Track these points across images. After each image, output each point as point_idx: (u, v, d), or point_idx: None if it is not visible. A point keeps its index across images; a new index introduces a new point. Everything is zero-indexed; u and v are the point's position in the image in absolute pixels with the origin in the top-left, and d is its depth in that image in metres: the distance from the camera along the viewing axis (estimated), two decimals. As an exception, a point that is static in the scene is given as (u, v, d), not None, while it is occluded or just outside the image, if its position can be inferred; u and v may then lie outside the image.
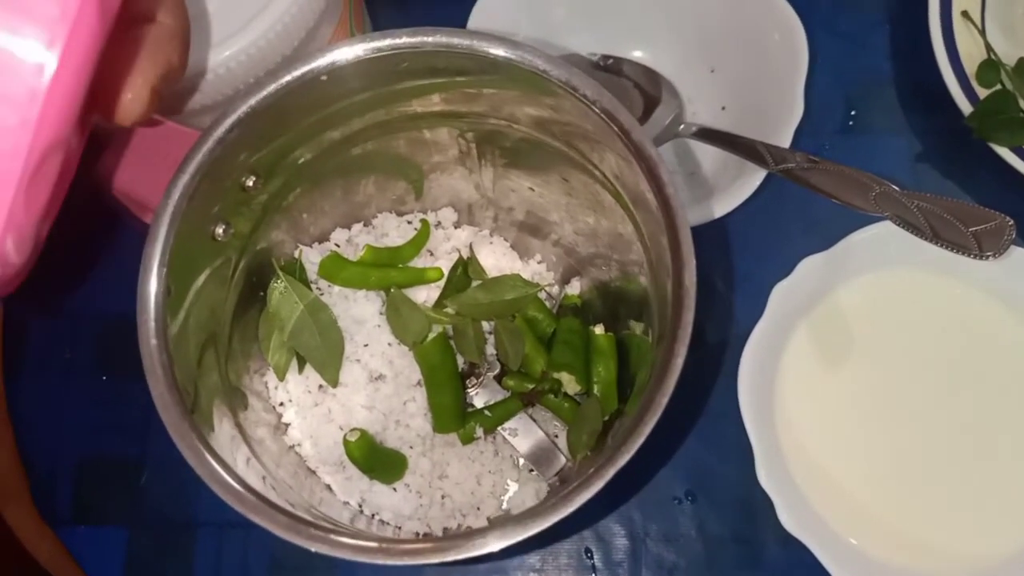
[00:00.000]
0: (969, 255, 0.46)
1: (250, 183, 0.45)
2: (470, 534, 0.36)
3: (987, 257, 0.46)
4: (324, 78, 0.42)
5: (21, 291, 0.60)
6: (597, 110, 0.41)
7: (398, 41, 0.42)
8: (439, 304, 0.53)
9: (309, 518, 0.37)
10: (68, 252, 0.62)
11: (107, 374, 0.60)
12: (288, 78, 0.42)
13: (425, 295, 0.53)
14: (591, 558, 0.55)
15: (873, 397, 0.54)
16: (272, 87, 0.42)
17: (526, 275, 0.55)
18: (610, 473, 0.36)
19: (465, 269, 0.54)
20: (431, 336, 0.51)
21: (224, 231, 0.45)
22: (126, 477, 0.58)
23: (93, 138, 0.54)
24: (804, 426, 0.53)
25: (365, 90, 0.45)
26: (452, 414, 0.51)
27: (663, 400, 0.37)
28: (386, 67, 0.43)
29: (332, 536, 0.36)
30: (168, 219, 0.40)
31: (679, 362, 0.37)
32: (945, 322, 0.55)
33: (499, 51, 0.41)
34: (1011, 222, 0.45)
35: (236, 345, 0.48)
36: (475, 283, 0.53)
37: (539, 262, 0.56)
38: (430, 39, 0.42)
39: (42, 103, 0.28)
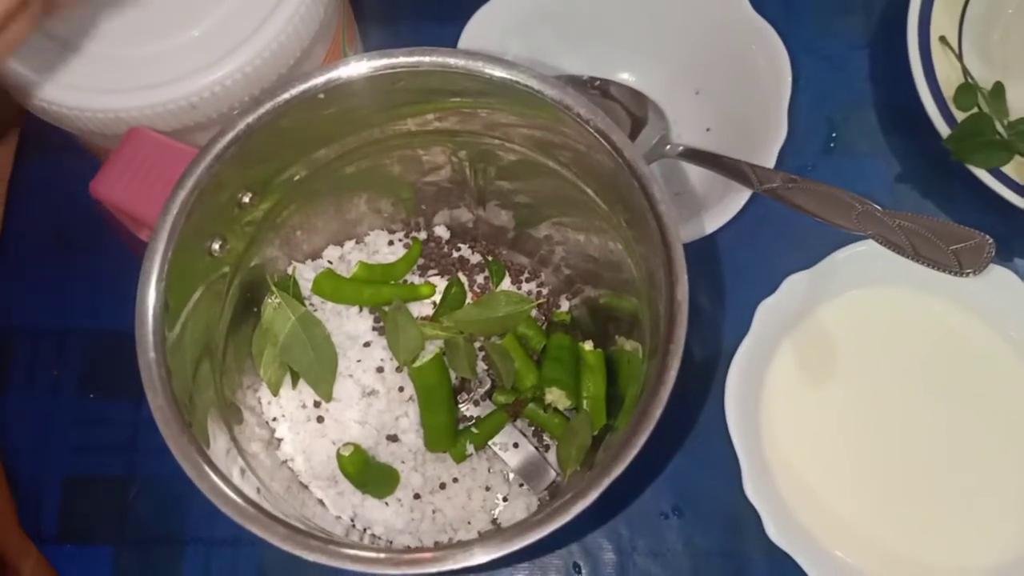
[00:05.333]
0: (949, 272, 0.47)
1: (246, 200, 0.45)
2: (468, 544, 0.36)
3: (967, 274, 0.46)
4: (321, 96, 0.43)
5: (6, 308, 0.60)
6: (591, 129, 0.42)
7: (395, 60, 0.42)
8: (435, 320, 0.53)
9: (307, 529, 0.38)
10: (55, 268, 0.61)
11: (94, 392, 0.59)
12: (286, 96, 0.42)
13: (417, 312, 0.54)
14: (579, 573, 0.55)
15: (857, 411, 0.54)
16: (269, 105, 0.43)
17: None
18: (604, 483, 0.36)
19: (460, 287, 0.54)
20: (428, 357, 0.50)
21: (220, 247, 0.45)
22: (113, 495, 0.57)
23: (88, 154, 0.54)
24: (790, 440, 0.54)
25: (360, 109, 0.45)
26: (445, 433, 0.51)
27: (656, 412, 0.37)
28: (382, 86, 0.43)
29: (331, 546, 0.36)
30: (167, 235, 0.41)
31: (672, 375, 0.38)
32: (926, 338, 0.55)
33: (495, 71, 0.42)
34: (990, 240, 0.46)
35: (230, 360, 0.48)
36: (468, 300, 0.54)
37: (529, 280, 0.57)
38: (427, 59, 0.42)
39: None
